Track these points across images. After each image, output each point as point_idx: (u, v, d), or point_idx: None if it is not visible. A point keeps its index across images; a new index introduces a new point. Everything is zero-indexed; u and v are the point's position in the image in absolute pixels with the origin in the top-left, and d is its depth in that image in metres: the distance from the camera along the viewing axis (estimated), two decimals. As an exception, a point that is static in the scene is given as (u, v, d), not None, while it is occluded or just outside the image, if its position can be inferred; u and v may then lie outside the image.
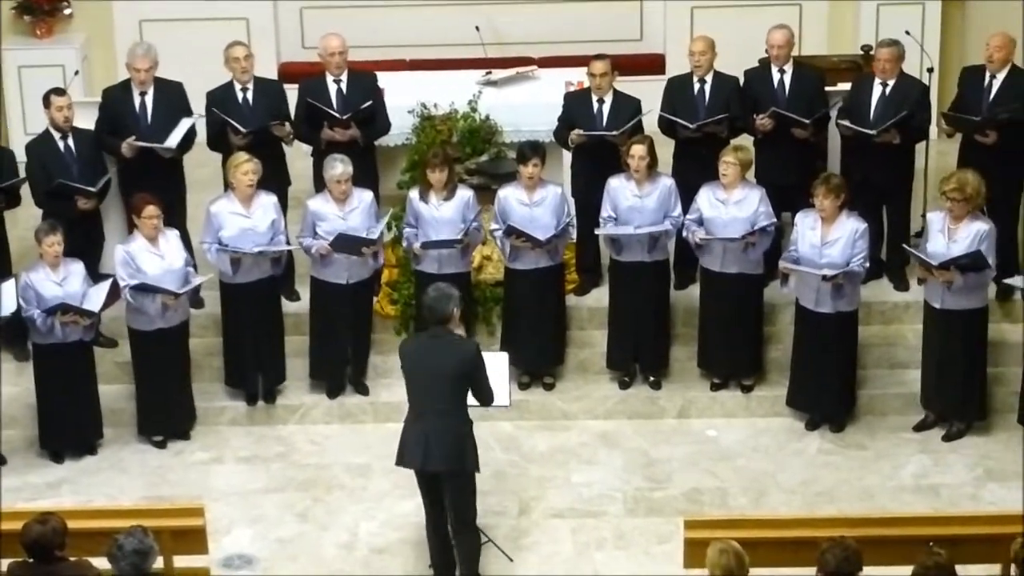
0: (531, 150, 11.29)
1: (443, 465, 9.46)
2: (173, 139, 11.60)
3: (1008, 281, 11.20)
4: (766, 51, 12.18)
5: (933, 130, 11.93)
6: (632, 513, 10.57)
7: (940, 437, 11.24)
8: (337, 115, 11.74)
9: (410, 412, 9.56)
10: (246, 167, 11.14)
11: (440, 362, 9.34)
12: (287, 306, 11.84)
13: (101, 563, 8.17)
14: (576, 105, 11.89)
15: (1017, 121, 11.34)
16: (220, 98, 11.80)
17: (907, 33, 12.43)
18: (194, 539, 9.28)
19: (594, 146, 11.72)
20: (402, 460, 9.64)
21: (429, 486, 9.59)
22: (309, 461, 11.20)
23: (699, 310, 11.62)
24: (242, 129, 11.58)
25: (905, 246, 11.35)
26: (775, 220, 11.32)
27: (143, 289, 10.81)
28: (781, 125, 11.71)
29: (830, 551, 7.84)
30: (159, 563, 8.44)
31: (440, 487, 9.55)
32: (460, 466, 9.48)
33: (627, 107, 11.75)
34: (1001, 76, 11.51)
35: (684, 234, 11.38)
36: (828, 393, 11.28)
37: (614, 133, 11.63)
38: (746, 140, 11.80)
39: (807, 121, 11.63)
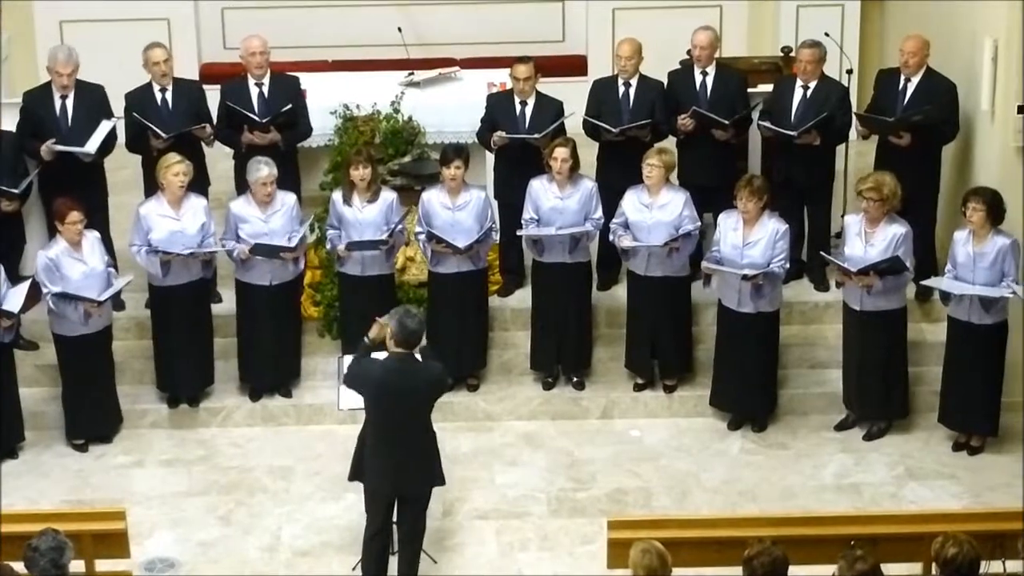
0: (454, 152, 11.29)
1: (420, 488, 9.51)
2: (93, 143, 11.51)
3: (926, 282, 11.31)
4: (688, 53, 12.24)
5: (853, 132, 12.03)
6: (556, 514, 10.59)
7: (861, 436, 11.34)
8: (257, 119, 11.69)
9: (375, 434, 9.46)
10: (177, 168, 11.07)
11: (414, 389, 9.32)
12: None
13: (21, 569, 8.09)
14: (499, 107, 11.90)
15: (931, 123, 11.45)
16: (139, 100, 11.72)
17: (826, 35, 12.51)
18: (116, 543, 9.22)
19: (516, 148, 11.74)
20: (357, 477, 9.63)
21: (389, 506, 9.57)
22: (232, 464, 11.15)
23: (626, 312, 11.65)
24: (163, 135, 11.51)
25: (823, 253, 11.44)
26: (699, 223, 11.39)
27: (65, 297, 10.73)
28: (703, 126, 11.77)
29: (757, 558, 7.85)
30: (81, 567, 8.37)
31: (400, 505, 9.56)
32: (430, 486, 9.57)
33: (549, 109, 11.77)
34: (916, 79, 11.60)
35: (610, 238, 11.43)
36: (750, 393, 11.36)
37: (536, 136, 11.65)
38: (669, 142, 11.85)
39: (727, 122, 11.69)
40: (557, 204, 11.38)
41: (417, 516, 9.61)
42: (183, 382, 11.53)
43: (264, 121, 11.67)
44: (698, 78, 11.93)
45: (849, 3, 14.02)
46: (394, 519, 9.65)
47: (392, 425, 9.38)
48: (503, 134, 11.72)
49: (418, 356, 9.41)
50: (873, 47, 14.07)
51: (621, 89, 11.88)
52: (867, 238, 10.91)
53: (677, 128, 11.84)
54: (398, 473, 9.42)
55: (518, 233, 11.58)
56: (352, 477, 9.74)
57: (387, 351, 9.34)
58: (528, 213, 11.45)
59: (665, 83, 11.96)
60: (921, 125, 11.44)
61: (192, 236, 11.15)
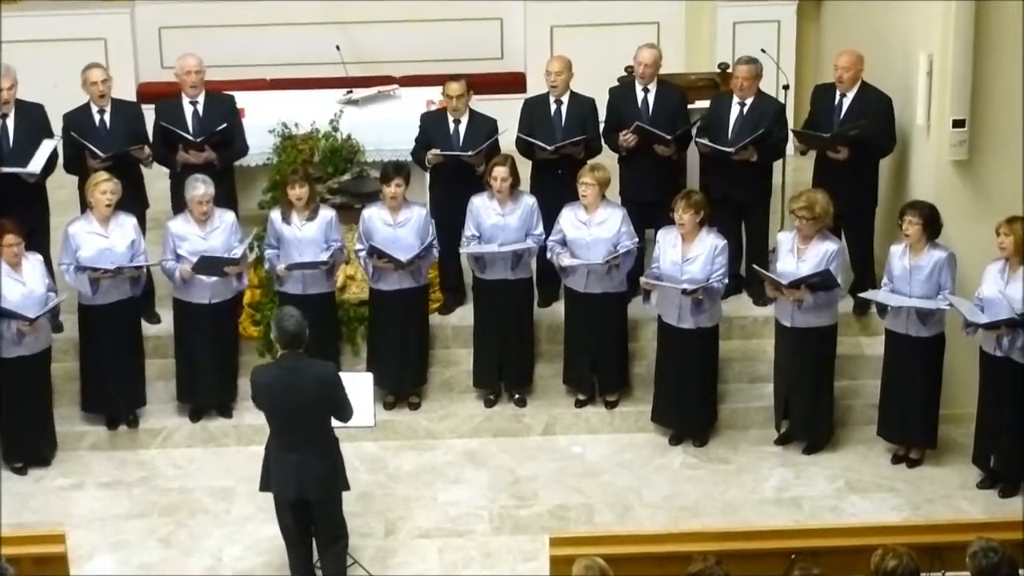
0: (394, 170, 11.29)
1: (319, 492, 9.47)
2: (36, 163, 11.45)
3: (864, 295, 11.40)
4: (626, 70, 12.28)
5: (790, 147, 12.10)
6: (498, 531, 10.59)
7: (801, 450, 11.40)
8: (191, 138, 11.66)
9: (275, 440, 9.53)
10: (104, 186, 11.03)
11: (302, 389, 9.31)
12: (148, 329, 11.72)
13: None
14: (432, 125, 11.91)
15: (867, 137, 11.54)
16: (77, 120, 11.66)
17: (763, 51, 12.58)
18: (55, 566, 9.16)
19: (452, 165, 11.75)
20: (267, 486, 9.63)
21: (298, 512, 9.56)
22: (172, 485, 11.09)
23: (564, 328, 11.68)
24: (100, 154, 11.46)
25: (755, 266, 11.51)
26: (637, 240, 11.43)
27: (-3, 313, 10.68)
28: (644, 142, 11.81)
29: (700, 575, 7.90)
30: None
31: (310, 512, 9.55)
32: (334, 489, 9.54)
33: (483, 127, 11.79)
34: (851, 94, 11.69)
35: (548, 255, 11.45)
36: (691, 408, 11.39)
37: (469, 153, 11.66)
38: (605, 159, 11.89)
39: (669, 137, 11.74)
40: (499, 221, 11.39)
41: (328, 520, 9.59)
42: (113, 403, 11.44)
43: (198, 140, 11.64)
44: (640, 94, 11.98)
45: (785, 19, 14.11)
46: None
47: (288, 426, 9.39)
48: (437, 151, 11.73)
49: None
50: (809, 63, 14.15)
51: (553, 107, 11.92)
52: (799, 254, 10.98)
53: (619, 144, 11.88)
54: (299, 476, 9.42)
55: (460, 250, 11.59)
56: (263, 487, 9.72)
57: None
58: (469, 230, 11.46)
59: (599, 100, 11.99)
60: (858, 139, 11.52)
61: (121, 253, 11.09)
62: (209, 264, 11.10)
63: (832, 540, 9.12)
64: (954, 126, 11.11)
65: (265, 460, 9.66)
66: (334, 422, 9.48)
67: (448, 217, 11.68)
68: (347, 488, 9.70)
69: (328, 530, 9.65)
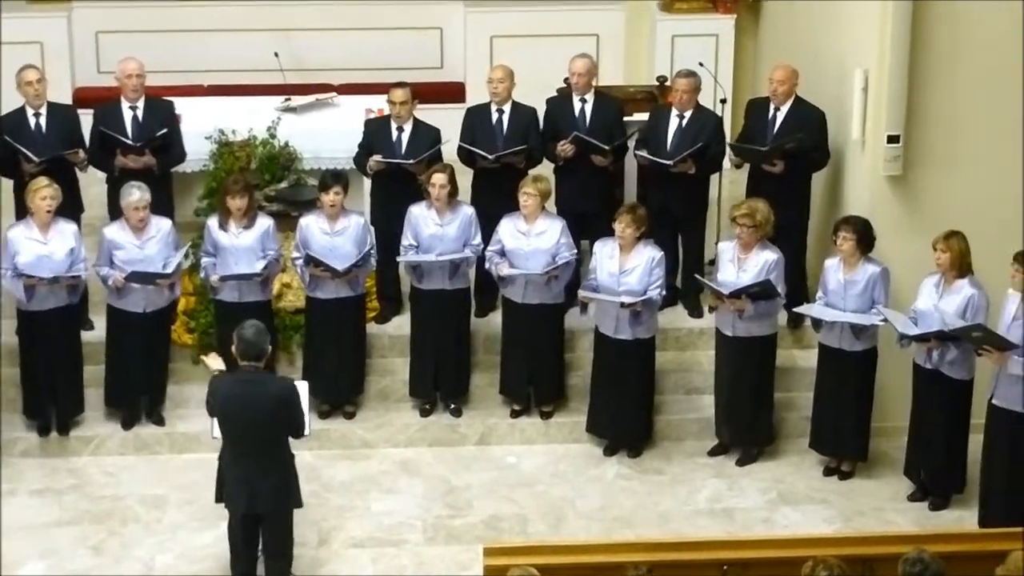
0: (333, 179, 11.27)
1: (269, 505, 9.46)
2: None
3: (798, 309, 11.46)
4: (565, 81, 12.31)
5: (726, 161, 12.16)
6: (432, 541, 10.57)
7: (734, 462, 11.45)
8: (130, 142, 11.59)
9: (228, 452, 9.49)
10: (45, 192, 10.96)
11: (260, 403, 9.30)
12: (82, 335, 11.62)
13: None
14: (375, 132, 11.90)
15: (802, 151, 11.62)
16: (12, 123, 11.58)
17: (701, 64, 12.65)
18: (-16, 575, 9.09)
19: (393, 174, 11.74)
20: (221, 498, 9.63)
21: (248, 527, 9.53)
22: (103, 493, 11.01)
23: (501, 338, 11.68)
24: (35, 158, 11.38)
25: (697, 276, 11.56)
26: (576, 251, 11.46)
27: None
28: (582, 152, 11.84)
29: None
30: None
31: (259, 527, 9.53)
32: (286, 504, 9.53)
33: (426, 136, 11.79)
34: (785, 108, 11.77)
35: (487, 265, 11.46)
36: (626, 419, 11.42)
37: (411, 161, 11.66)
38: (545, 170, 11.91)
39: (607, 148, 11.78)
40: (437, 231, 11.39)
41: (278, 537, 9.58)
42: (52, 410, 11.35)
43: (138, 145, 11.58)
44: (577, 105, 12.02)
45: (723, 34, 14.19)
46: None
47: (243, 440, 9.39)
48: (379, 158, 11.72)
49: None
50: (747, 77, 14.24)
51: (495, 116, 11.93)
52: (740, 264, 11.04)
53: (556, 154, 11.91)
54: (251, 489, 9.41)
55: (398, 260, 11.58)
56: (218, 499, 9.72)
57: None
58: (407, 239, 11.45)
59: (540, 110, 12.02)
60: (793, 153, 11.60)
61: (59, 261, 11.01)
62: (141, 277, 11.06)
63: (764, 551, 9.15)
64: (889, 141, 11.20)
65: (219, 471, 9.64)
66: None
67: (387, 225, 11.68)
68: (299, 505, 9.69)
69: (274, 545, 9.61)
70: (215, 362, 9.75)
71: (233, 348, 9.38)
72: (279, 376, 9.52)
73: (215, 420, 9.59)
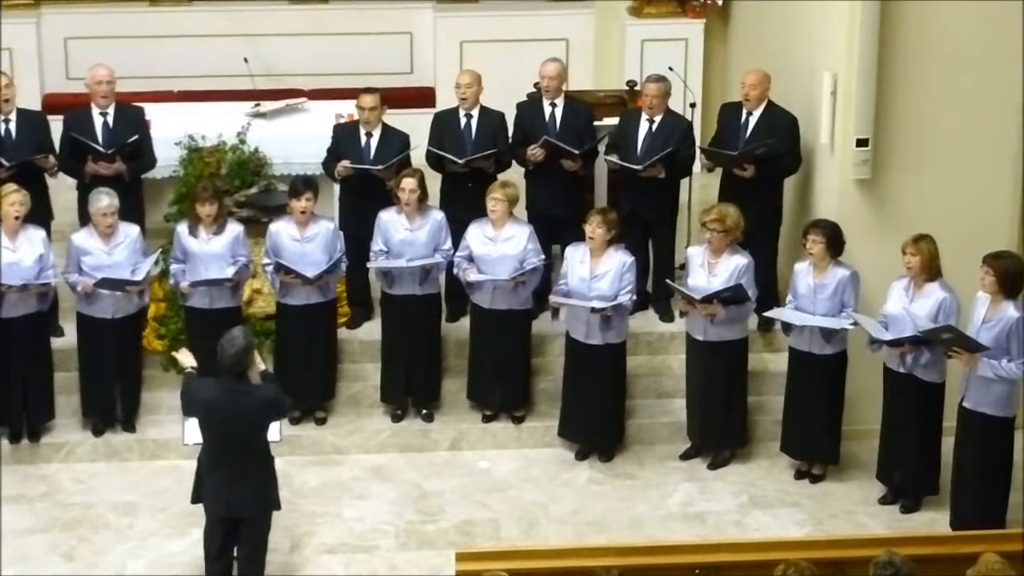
0: (303, 185, 11.26)
1: (249, 509, 9.45)
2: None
3: (768, 313, 11.49)
4: (535, 86, 12.33)
5: (697, 164, 12.19)
6: (404, 547, 10.57)
7: (706, 465, 11.47)
8: (101, 149, 11.57)
9: (208, 455, 9.50)
10: (13, 198, 10.92)
11: (242, 411, 9.29)
12: (52, 342, 11.57)
13: None
14: (344, 137, 11.90)
15: (773, 155, 11.65)
16: (-20, 130, 11.56)
17: (670, 69, 12.68)
18: (-45, 583, 9.05)
19: (362, 179, 11.74)
20: (198, 498, 9.63)
21: (226, 531, 9.52)
22: (75, 500, 10.98)
23: (469, 344, 11.68)
24: (4, 163, 11.34)
25: (668, 281, 11.58)
26: (544, 257, 11.47)
27: None
28: (552, 157, 11.86)
29: None
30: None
31: (236, 531, 9.52)
32: (266, 507, 9.53)
33: (395, 141, 11.79)
34: (757, 112, 11.80)
35: (455, 271, 11.46)
36: (598, 423, 11.43)
37: (380, 167, 11.66)
38: (514, 175, 11.92)
39: (577, 152, 11.79)
40: (407, 236, 11.39)
41: (254, 541, 9.58)
42: (22, 417, 11.30)
43: (110, 152, 11.55)
44: (547, 109, 12.04)
45: (693, 38, 14.22)
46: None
47: (223, 446, 9.39)
48: (348, 163, 11.71)
49: (257, 378, 9.37)
50: (716, 82, 14.28)
51: (463, 120, 11.94)
52: (710, 269, 11.06)
53: (526, 158, 11.92)
54: (230, 493, 9.40)
55: (368, 265, 11.57)
56: (194, 500, 9.71)
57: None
58: (377, 245, 11.45)
59: (510, 115, 12.03)
60: (764, 158, 11.63)
61: (28, 268, 10.98)
62: (110, 284, 11.03)
63: (735, 555, 9.19)
64: (858, 145, 11.23)
65: (198, 473, 9.63)
66: None
67: (357, 230, 11.66)
68: (278, 507, 9.70)
69: (250, 548, 9.60)
70: (187, 358, 9.72)
71: (218, 359, 9.32)
72: (260, 386, 9.45)
73: (188, 424, 9.58)
